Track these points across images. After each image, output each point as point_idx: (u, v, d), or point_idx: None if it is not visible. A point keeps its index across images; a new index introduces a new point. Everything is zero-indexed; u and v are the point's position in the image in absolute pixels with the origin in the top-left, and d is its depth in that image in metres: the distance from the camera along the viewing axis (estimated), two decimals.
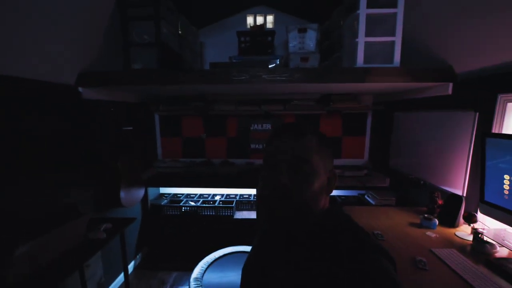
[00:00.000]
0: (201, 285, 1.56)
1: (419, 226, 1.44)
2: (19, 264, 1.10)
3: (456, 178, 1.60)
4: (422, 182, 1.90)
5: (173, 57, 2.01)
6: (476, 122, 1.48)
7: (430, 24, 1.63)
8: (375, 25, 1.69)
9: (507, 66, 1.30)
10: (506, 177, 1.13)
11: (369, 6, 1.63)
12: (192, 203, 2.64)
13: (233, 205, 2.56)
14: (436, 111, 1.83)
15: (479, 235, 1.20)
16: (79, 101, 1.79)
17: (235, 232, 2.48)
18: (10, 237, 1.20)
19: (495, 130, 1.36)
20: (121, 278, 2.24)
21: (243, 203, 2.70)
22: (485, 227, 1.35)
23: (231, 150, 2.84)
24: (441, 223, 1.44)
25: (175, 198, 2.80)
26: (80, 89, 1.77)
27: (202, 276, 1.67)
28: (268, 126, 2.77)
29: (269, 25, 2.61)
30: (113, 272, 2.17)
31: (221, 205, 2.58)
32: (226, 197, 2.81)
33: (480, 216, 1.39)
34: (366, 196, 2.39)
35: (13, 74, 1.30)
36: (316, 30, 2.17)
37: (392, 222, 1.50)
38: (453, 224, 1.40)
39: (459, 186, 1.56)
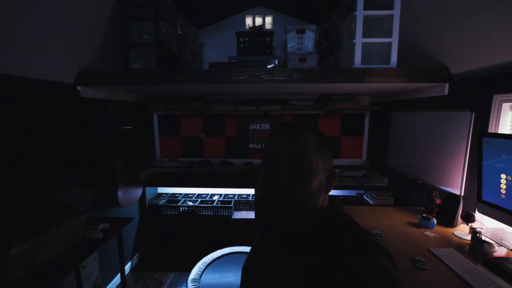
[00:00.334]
0: (199, 286, 1.55)
1: (418, 225, 1.44)
2: (15, 264, 1.09)
3: (454, 177, 1.61)
4: (420, 181, 1.91)
5: (173, 57, 2.01)
6: (472, 122, 1.49)
7: (426, 25, 1.65)
8: (372, 27, 1.71)
9: (502, 67, 1.32)
10: (503, 176, 1.13)
11: (366, 7, 1.64)
12: (190, 203, 2.64)
13: (232, 205, 2.56)
14: (433, 111, 1.85)
15: (477, 235, 1.20)
16: (78, 100, 1.79)
17: (234, 232, 2.48)
18: (6, 237, 1.18)
19: (491, 129, 1.37)
20: (117, 279, 2.22)
21: (242, 203, 2.69)
22: (483, 226, 1.35)
23: (230, 150, 2.84)
24: (439, 223, 1.44)
25: (173, 198, 2.79)
26: (79, 88, 1.77)
27: (200, 277, 1.66)
28: (267, 126, 2.78)
29: (268, 26, 2.62)
30: (110, 272, 2.15)
31: (219, 205, 2.58)
32: (224, 197, 2.81)
33: (478, 215, 1.39)
34: (364, 196, 2.40)
35: (10, 73, 1.30)
36: (314, 31, 2.18)
37: (391, 222, 1.50)
38: (451, 223, 1.41)
39: (457, 186, 1.57)
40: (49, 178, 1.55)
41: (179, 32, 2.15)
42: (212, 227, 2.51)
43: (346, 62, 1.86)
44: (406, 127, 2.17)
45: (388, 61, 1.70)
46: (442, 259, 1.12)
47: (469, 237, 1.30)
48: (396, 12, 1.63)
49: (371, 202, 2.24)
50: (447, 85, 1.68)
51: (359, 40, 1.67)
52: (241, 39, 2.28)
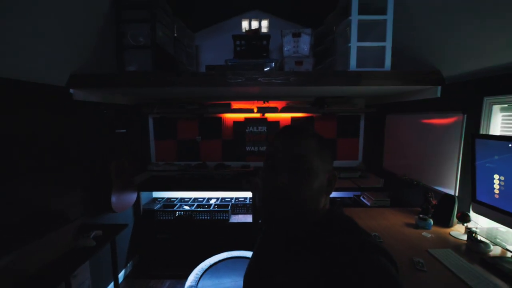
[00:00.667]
0: None
1: (415, 226, 1.46)
2: (1, 276, 1.03)
3: (448, 178, 1.64)
4: (415, 182, 1.94)
5: (169, 59, 2.00)
6: (464, 123, 1.53)
7: (418, 30, 1.69)
8: (367, 31, 1.74)
9: (491, 70, 1.36)
10: (496, 176, 1.16)
11: (360, 12, 1.68)
12: (187, 207, 2.60)
13: (229, 208, 2.53)
14: (426, 113, 1.89)
15: (473, 235, 1.22)
16: (70, 103, 1.75)
17: (231, 236, 2.45)
18: None
19: (482, 131, 1.40)
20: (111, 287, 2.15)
21: (239, 207, 2.67)
22: (478, 226, 1.38)
23: (227, 152, 2.83)
24: (436, 223, 1.46)
25: (169, 202, 2.75)
26: (71, 90, 1.73)
27: (197, 284, 1.63)
28: (263, 129, 2.78)
29: (264, 29, 2.64)
30: (103, 281, 2.08)
31: (216, 209, 2.55)
32: (221, 201, 2.78)
33: (472, 215, 1.42)
34: (361, 197, 2.42)
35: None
36: (310, 34, 2.21)
37: (389, 223, 1.51)
38: (448, 224, 1.43)
39: (451, 186, 1.60)
40: (38, 184, 1.49)
41: (175, 35, 2.15)
42: (209, 231, 2.48)
43: (342, 65, 1.89)
44: (401, 129, 2.21)
45: (382, 64, 1.74)
46: (440, 260, 1.13)
47: (465, 237, 1.32)
48: (389, 17, 1.67)
49: (368, 203, 2.26)
50: (439, 88, 1.72)
51: (354, 44, 1.70)
52: (238, 42, 2.29)
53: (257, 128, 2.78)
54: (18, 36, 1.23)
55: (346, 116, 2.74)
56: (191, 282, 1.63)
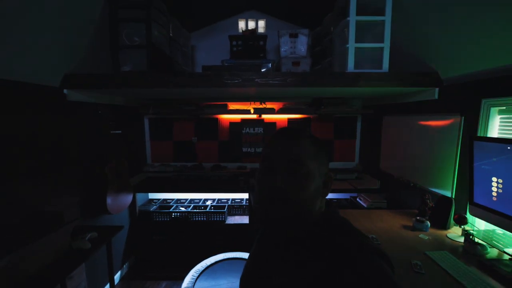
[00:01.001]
0: None
1: (412, 228, 1.45)
2: None
3: (445, 180, 1.64)
4: (412, 184, 1.94)
5: (164, 59, 1.97)
6: (462, 125, 1.53)
7: (416, 31, 1.69)
8: (365, 32, 1.73)
9: (489, 72, 1.36)
10: (494, 179, 1.16)
11: (358, 13, 1.67)
12: (183, 209, 2.58)
13: (225, 210, 2.52)
14: (424, 115, 1.89)
15: (470, 237, 1.22)
16: (65, 104, 1.71)
17: (228, 238, 2.43)
18: None
19: (480, 133, 1.40)
20: None
21: (235, 208, 2.65)
22: (475, 228, 1.38)
23: (223, 153, 2.81)
24: (433, 225, 1.46)
25: (165, 203, 2.72)
26: (65, 91, 1.70)
27: (193, 285, 1.62)
28: (260, 130, 2.76)
29: (261, 29, 2.63)
30: (98, 283, 2.06)
31: (212, 210, 2.53)
32: (217, 202, 2.76)
33: (470, 217, 1.42)
34: (358, 199, 2.42)
35: None
36: (307, 35, 2.20)
37: (386, 225, 1.51)
38: (445, 226, 1.43)
39: (448, 188, 1.60)
40: (33, 186, 1.47)
41: (171, 35, 2.12)
42: (205, 233, 2.46)
43: (339, 66, 1.88)
44: (398, 131, 2.20)
45: (380, 66, 1.73)
46: (438, 262, 1.12)
47: (462, 239, 1.32)
48: (387, 17, 1.66)
49: (364, 205, 2.25)
50: (437, 89, 1.72)
51: (352, 45, 1.69)
52: (234, 43, 2.27)
53: (254, 129, 2.77)
54: (8, 36, 1.20)
55: (343, 117, 2.73)
56: (187, 284, 1.62)
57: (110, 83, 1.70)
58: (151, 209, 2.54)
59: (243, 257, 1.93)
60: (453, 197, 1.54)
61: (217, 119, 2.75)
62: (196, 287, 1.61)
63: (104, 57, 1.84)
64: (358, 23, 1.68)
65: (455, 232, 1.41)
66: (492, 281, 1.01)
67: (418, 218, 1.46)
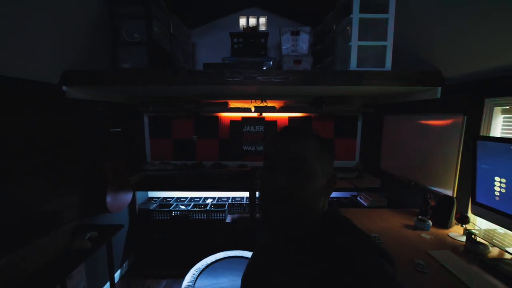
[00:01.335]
0: None
1: (414, 228, 1.45)
2: None
3: (446, 179, 1.64)
4: (412, 183, 1.94)
5: (165, 57, 1.95)
6: (464, 125, 1.52)
7: (418, 29, 1.68)
8: (367, 30, 1.72)
9: (494, 72, 1.35)
10: (497, 179, 1.16)
11: (361, 11, 1.65)
12: (183, 207, 2.57)
13: (225, 208, 2.51)
14: (426, 114, 1.88)
15: (472, 236, 1.22)
16: (64, 101, 1.69)
17: (228, 236, 2.43)
18: None
19: (482, 133, 1.40)
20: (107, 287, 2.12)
21: (236, 206, 2.65)
22: (476, 227, 1.38)
23: (223, 152, 2.80)
24: (434, 224, 1.46)
25: (165, 202, 2.71)
26: (64, 88, 1.68)
27: (194, 284, 1.61)
28: (261, 128, 2.75)
29: (262, 27, 2.60)
30: (98, 282, 2.05)
31: (212, 208, 2.52)
32: (218, 200, 2.75)
33: (470, 216, 1.42)
34: (358, 198, 2.42)
35: None
36: (309, 33, 2.18)
37: (387, 224, 1.51)
38: (446, 225, 1.43)
39: (449, 187, 1.60)
40: (32, 185, 1.44)
41: (171, 32, 2.09)
42: (206, 231, 2.45)
43: (342, 65, 1.87)
44: (399, 130, 2.20)
45: (382, 64, 1.72)
46: (440, 262, 1.13)
47: (463, 238, 1.32)
48: (391, 15, 1.65)
49: (365, 204, 2.26)
50: (439, 88, 1.72)
51: (355, 43, 1.68)
52: (235, 40, 2.24)
53: (255, 128, 2.76)
54: (6, 31, 1.17)
55: (343, 116, 2.73)
56: (188, 282, 1.61)
57: (109, 80, 1.67)
58: (151, 208, 2.53)
59: (244, 255, 1.92)
60: (455, 196, 1.54)
61: (217, 117, 2.73)
62: (197, 286, 1.60)
63: (104, 54, 1.82)
64: (361, 21, 1.66)
65: (456, 231, 1.41)
66: (495, 280, 1.02)
67: (420, 217, 1.46)
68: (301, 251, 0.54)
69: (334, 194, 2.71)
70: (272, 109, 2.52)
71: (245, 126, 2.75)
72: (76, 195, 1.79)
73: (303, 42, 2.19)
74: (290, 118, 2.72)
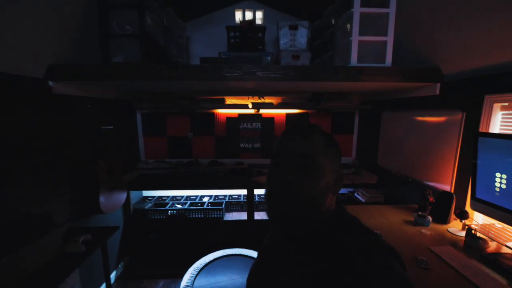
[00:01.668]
0: None
1: (414, 223, 1.46)
2: None
3: (444, 175, 1.66)
4: (410, 179, 1.96)
5: (159, 50, 1.87)
6: (463, 121, 1.54)
7: (418, 25, 1.67)
8: (367, 26, 1.69)
9: (492, 68, 1.36)
10: (497, 175, 1.17)
11: (362, 5, 1.62)
12: (179, 206, 2.52)
13: (223, 206, 2.48)
14: (424, 111, 1.89)
15: (472, 231, 1.24)
16: (50, 97, 1.59)
17: (226, 234, 2.40)
18: None
19: (482, 129, 1.41)
20: None
21: (233, 204, 2.62)
22: (476, 222, 1.40)
23: (220, 149, 2.75)
24: (433, 220, 1.48)
25: (160, 201, 2.65)
26: (50, 83, 1.58)
27: (193, 283, 1.59)
28: (258, 125, 2.71)
29: (258, 21, 2.54)
30: (93, 284, 1.99)
31: (209, 207, 2.49)
32: (214, 199, 2.71)
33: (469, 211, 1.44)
34: (356, 194, 2.43)
35: None
36: (307, 27, 2.14)
37: (388, 221, 1.52)
38: (445, 220, 1.45)
39: (447, 183, 1.62)
40: (19, 187, 1.36)
41: (165, 24, 2.00)
42: (203, 230, 2.42)
43: (341, 60, 1.84)
44: (397, 126, 2.21)
45: (382, 60, 1.70)
46: (442, 258, 1.14)
47: (462, 234, 1.34)
48: (392, 10, 1.63)
49: (362, 200, 2.27)
50: (438, 85, 1.72)
51: (355, 38, 1.65)
52: (232, 34, 2.17)
53: (251, 125, 2.71)
54: None
55: (340, 112, 2.72)
56: (186, 282, 1.58)
57: (100, 74, 1.59)
58: (146, 207, 2.47)
59: (242, 253, 1.91)
60: (453, 191, 1.56)
61: (213, 113, 2.67)
62: (196, 285, 1.58)
63: (94, 48, 1.72)
64: (361, 16, 1.63)
65: (455, 227, 1.43)
66: (495, 274, 1.03)
67: (420, 213, 1.48)
68: (304, 250, 0.54)
69: None
70: (270, 106, 2.48)
71: (242, 123, 2.71)
72: (67, 196, 1.71)
73: (302, 36, 2.14)
74: (288, 115, 2.69)
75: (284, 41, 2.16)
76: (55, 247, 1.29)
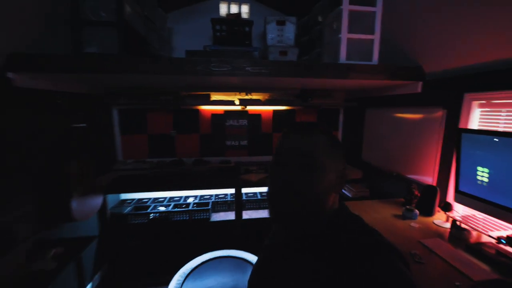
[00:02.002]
0: None
1: (402, 217, 1.51)
2: None
3: (427, 169, 1.74)
4: (394, 174, 2.04)
5: (139, 41, 1.72)
6: (444, 118, 1.62)
7: (403, 24, 1.71)
8: (353, 24, 1.71)
9: (472, 68, 1.44)
10: (479, 168, 1.24)
11: (351, 2, 1.63)
12: (162, 208, 2.38)
13: (209, 207, 2.38)
14: (407, 108, 1.97)
15: (457, 223, 1.30)
16: (9, 90, 1.39)
17: (213, 236, 2.32)
18: None
19: (461, 125, 1.50)
20: None
21: (220, 204, 2.54)
22: (456, 214, 1.49)
23: (205, 147, 2.64)
24: (419, 213, 1.54)
25: (141, 204, 2.48)
26: (10, 74, 1.37)
27: None
28: (244, 122, 2.64)
29: (244, 15, 2.46)
30: None
31: (195, 208, 2.38)
32: (200, 199, 2.61)
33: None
34: (342, 189, 2.48)
35: None
36: (294, 23, 2.12)
37: (379, 216, 1.55)
38: (431, 213, 1.52)
39: (430, 177, 1.70)
40: None
41: (146, 14, 1.85)
42: (189, 232, 2.31)
43: (329, 57, 1.84)
44: (380, 123, 2.28)
45: (369, 58, 1.73)
46: (433, 250, 1.18)
47: (446, 225, 1.41)
48: (378, 9, 1.66)
49: (349, 195, 2.32)
50: (420, 83, 1.79)
51: (344, 35, 1.66)
52: (218, 27, 2.08)
53: (238, 122, 2.64)
54: None
55: (326, 109, 2.75)
56: None
57: (70, 66, 1.42)
58: (125, 211, 2.29)
59: (231, 255, 1.85)
60: (435, 185, 1.64)
61: (198, 110, 2.55)
62: None
63: (63, 35, 1.53)
64: (349, 14, 1.64)
65: (439, 219, 1.51)
66: (481, 263, 1.09)
67: (407, 207, 1.53)
68: (307, 250, 0.53)
69: None
70: (257, 102, 2.42)
71: (228, 120, 2.62)
72: (30, 205, 1.49)
73: (289, 32, 2.11)
74: (275, 112, 2.66)
75: (271, 36, 2.12)
76: (18, 266, 1.11)
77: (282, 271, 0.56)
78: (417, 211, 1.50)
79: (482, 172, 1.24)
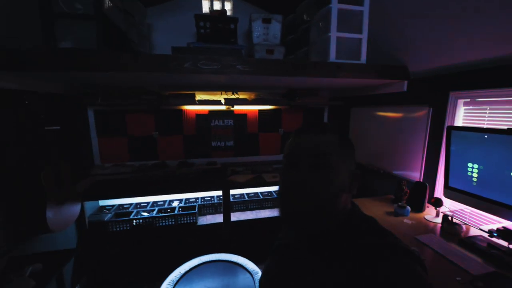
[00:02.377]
0: None
1: (395, 214, 1.53)
2: None
3: (414, 166, 1.78)
4: (382, 171, 2.07)
5: (119, 36, 1.60)
6: (430, 116, 1.66)
7: (389, 24, 1.74)
8: (340, 24, 1.71)
9: (457, 67, 1.48)
10: (469, 165, 1.28)
11: (340, 1, 1.63)
12: (145, 214, 2.24)
13: (196, 210, 2.29)
14: (392, 106, 2.01)
15: (448, 217, 1.33)
16: None
17: (201, 240, 2.23)
18: None
19: (447, 123, 1.54)
20: None
21: (207, 207, 2.44)
22: (446, 209, 1.52)
23: (189, 149, 2.53)
24: (410, 209, 1.56)
25: (122, 210, 2.33)
26: None
27: None
28: (230, 122, 2.57)
29: (227, 12, 2.39)
30: None
31: (181, 212, 2.27)
32: (185, 202, 2.50)
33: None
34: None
35: None
36: (280, 22, 2.09)
37: (373, 214, 1.52)
38: (421, 209, 1.55)
39: (417, 173, 1.74)
40: None
41: (125, 8, 1.73)
42: (175, 238, 2.20)
43: (317, 56, 1.83)
44: (366, 121, 2.32)
45: (357, 57, 1.74)
46: (429, 245, 1.19)
47: (437, 220, 1.44)
48: (365, 8, 1.67)
49: None
50: (406, 82, 1.83)
51: (334, 34, 1.65)
52: (202, 24, 1.99)
53: (223, 122, 2.56)
54: None
55: (311, 108, 2.75)
56: None
57: (40, 63, 1.28)
58: (105, 219, 2.13)
59: (221, 258, 1.79)
60: (421, 181, 1.68)
61: (181, 110, 2.44)
62: None
63: (33, 28, 1.38)
64: (338, 12, 1.64)
65: (429, 214, 1.54)
66: (475, 256, 1.12)
67: (399, 204, 1.55)
68: (319, 251, 0.53)
69: None
70: (244, 102, 2.36)
71: (213, 120, 2.53)
72: (2, 215, 1.34)
73: (276, 30, 2.08)
74: (261, 111, 2.62)
75: (257, 34, 2.07)
76: None
77: (294, 272, 0.55)
78: (409, 208, 1.52)
79: (472, 168, 1.27)
